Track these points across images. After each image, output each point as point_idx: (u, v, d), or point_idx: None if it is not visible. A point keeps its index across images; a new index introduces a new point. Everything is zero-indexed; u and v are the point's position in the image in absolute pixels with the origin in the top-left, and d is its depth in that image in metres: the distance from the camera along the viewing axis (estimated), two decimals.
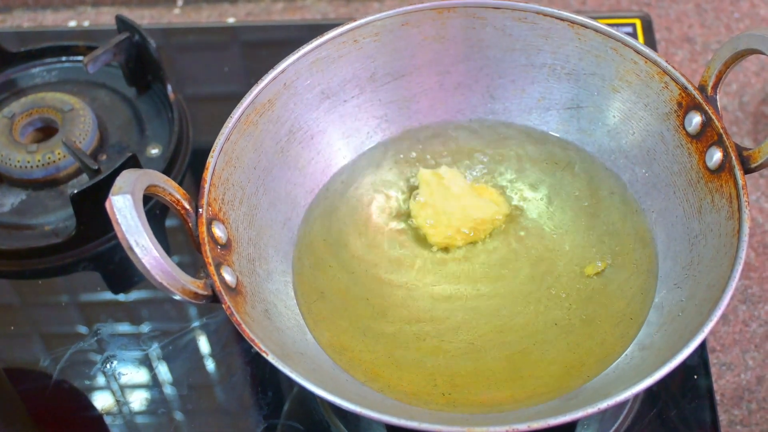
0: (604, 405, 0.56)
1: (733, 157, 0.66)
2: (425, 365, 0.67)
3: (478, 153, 0.79)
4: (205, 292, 0.61)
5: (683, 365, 0.59)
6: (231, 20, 1.09)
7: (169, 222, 0.88)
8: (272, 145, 0.74)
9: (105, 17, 1.11)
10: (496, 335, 0.69)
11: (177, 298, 0.59)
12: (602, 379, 0.65)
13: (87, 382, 0.78)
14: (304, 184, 0.77)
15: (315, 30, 0.78)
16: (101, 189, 0.81)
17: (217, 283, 0.62)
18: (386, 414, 0.57)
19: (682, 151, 0.70)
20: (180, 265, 0.60)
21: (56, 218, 0.87)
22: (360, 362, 0.68)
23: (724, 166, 0.66)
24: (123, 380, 0.78)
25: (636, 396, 0.62)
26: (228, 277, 0.64)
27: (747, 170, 0.65)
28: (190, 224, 0.64)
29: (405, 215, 0.76)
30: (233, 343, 0.79)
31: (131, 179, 0.58)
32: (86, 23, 1.10)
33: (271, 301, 0.68)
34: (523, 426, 0.55)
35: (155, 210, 0.88)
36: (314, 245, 0.74)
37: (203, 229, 0.64)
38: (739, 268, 0.61)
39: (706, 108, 0.68)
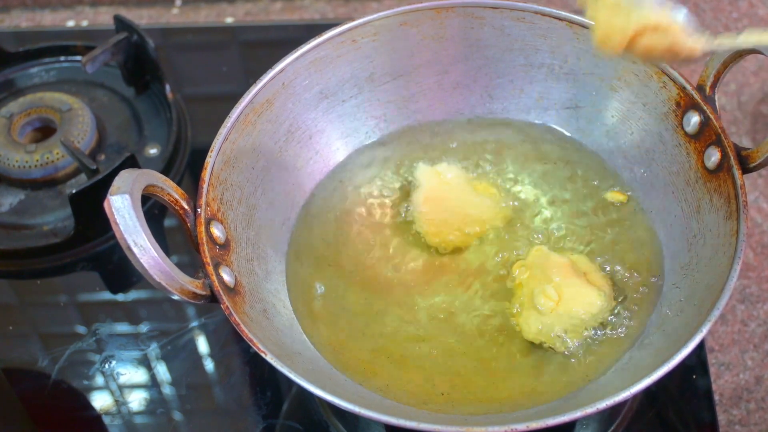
0: (602, 405, 0.56)
1: (732, 157, 0.66)
2: (424, 365, 0.67)
3: (476, 153, 0.79)
4: (204, 292, 0.61)
5: (682, 365, 0.59)
6: (229, 20, 1.09)
7: (168, 222, 0.88)
8: (271, 145, 0.74)
9: (103, 17, 1.11)
10: (496, 335, 0.69)
11: (175, 298, 0.59)
12: (601, 379, 0.65)
13: (85, 382, 0.78)
14: (303, 183, 0.77)
15: (313, 30, 0.78)
16: (100, 189, 0.81)
17: (216, 283, 0.62)
18: (385, 414, 0.57)
19: (681, 151, 0.70)
20: (178, 265, 0.60)
21: (55, 218, 0.87)
22: (358, 362, 0.68)
23: (722, 166, 0.66)
24: (122, 380, 0.78)
25: (635, 396, 0.62)
26: (226, 277, 0.64)
27: (745, 170, 0.65)
28: (188, 224, 0.64)
29: (404, 215, 0.76)
30: (232, 343, 0.79)
31: (130, 179, 0.58)
32: (84, 23, 1.10)
33: (269, 301, 0.68)
34: (522, 426, 0.55)
35: (154, 210, 0.88)
36: (313, 245, 0.74)
37: (202, 229, 0.64)
38: (738, 267, 0.61)
39: (705, 108, 0.68)
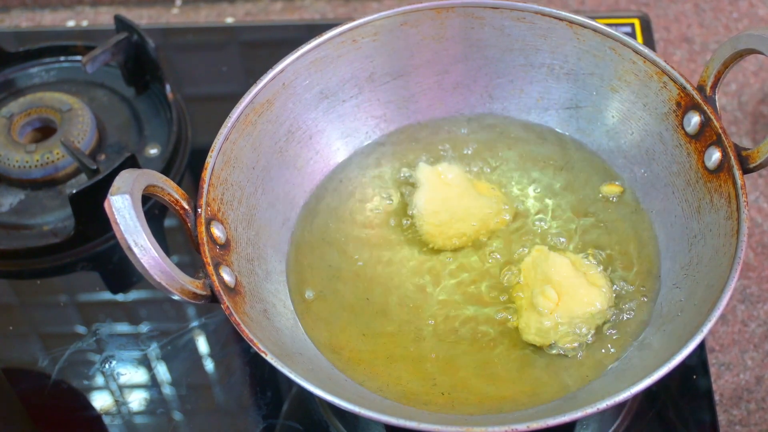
0: (603, 405, 0.56)
1: (732, 157, 0.66)
2: (424, 365, 0.67)
3: (476, 153, 0.79)
4: (204, 292, 0.61)
5: (682, 365, 0.59)
6: (229, 20, 1.09)
7: (168, 222, 0.88)
8: (271, 145, 0.74)
9: (103, 17, 1.11)
10: (496, 335, 0.69)
11: (176, 298, 0.59)
12: (601, 379, 0.65)
13: (86, 382, 0.78)
14: (303, 183, 0.77)
15: (314, 30, 0.78)
16: (100, 189, 0.81)
17: (216, 283, 0.62)
18: (385, 414, 0.57)
19: (681, 151, 0.70)
20: (179, 265, 0.60)
21: (55, 218, 0.87)
22: (359, 362, 0.68)
23: (722, 166, 0.66)
24: (122, 380, 0.78)
25: (635, 396, 0.62)
26: (227, 277, 0.64)
27: (746, 170, 0.65)
28: (188, 224, 0.64)
29: (405, 214, 0.76)
30: (232, 343, 0.79)
31: (130, 179, 0.58)
32: (85, 23, 1.10)
33: (270, 301, 0.68)
34: (522, 426, 0.55)
35: (154, 210, 0.88)
36: (313, 245, 0.74)
37: (202, 229, 0.64)
38: (738, 268, 0.61)
39: (705, 108, 0.68)
